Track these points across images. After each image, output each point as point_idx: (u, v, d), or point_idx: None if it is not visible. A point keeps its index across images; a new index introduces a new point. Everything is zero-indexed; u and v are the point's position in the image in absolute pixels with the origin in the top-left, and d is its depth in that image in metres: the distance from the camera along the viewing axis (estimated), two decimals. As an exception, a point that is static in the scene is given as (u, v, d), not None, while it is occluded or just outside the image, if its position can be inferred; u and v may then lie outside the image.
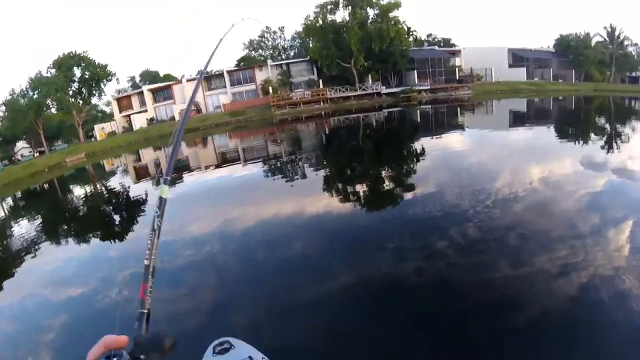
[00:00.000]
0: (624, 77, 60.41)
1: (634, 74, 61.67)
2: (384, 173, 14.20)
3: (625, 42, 57.36)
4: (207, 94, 40.34)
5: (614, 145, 18.07)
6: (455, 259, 7.18)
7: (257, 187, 12.75)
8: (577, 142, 19.80)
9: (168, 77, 55.13)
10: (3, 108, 34.24)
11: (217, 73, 40.65)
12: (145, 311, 1.05)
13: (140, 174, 18.78)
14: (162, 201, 1.39)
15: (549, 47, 55.43)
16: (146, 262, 1.21)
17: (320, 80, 36.37)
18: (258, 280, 6.72)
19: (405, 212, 9.85)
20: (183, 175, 14.59)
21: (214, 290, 6.53)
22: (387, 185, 12.69)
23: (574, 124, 26.37)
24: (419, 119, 29.28)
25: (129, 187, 15.83)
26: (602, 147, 17.27)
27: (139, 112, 40.44)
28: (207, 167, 16.05)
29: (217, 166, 16.38)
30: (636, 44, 63.14)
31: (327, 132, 25.03)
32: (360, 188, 12.31)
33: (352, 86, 34.98)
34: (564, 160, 14.81)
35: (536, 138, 19.82)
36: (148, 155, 25.17)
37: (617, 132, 21.42)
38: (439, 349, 4.93)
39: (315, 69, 37.81)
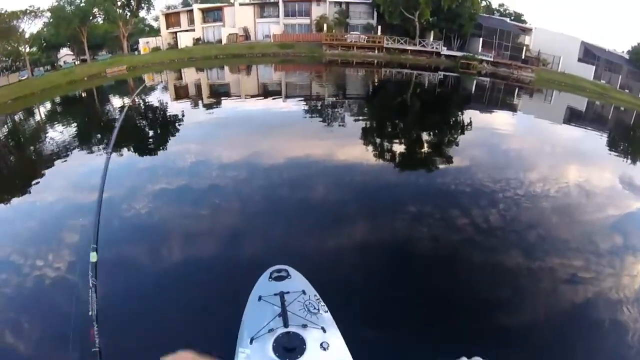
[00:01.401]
0: None
1: None
2: (424, 137, 14.14)
3: None
4: (258, 21, 39.28)
5: None
6: (470, 237, 7.55)
7: (295, 124, 12.86)
8: (624, 158, 19.00)
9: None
10: (49, 14, 34.13)
11: (272, 1, 39.54)
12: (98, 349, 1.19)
13: (180, 93, 19.00)
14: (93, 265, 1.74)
15: (623, 52, 51.18)
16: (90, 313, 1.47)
17: (379, 27, 34.59)
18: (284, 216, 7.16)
19: (435, 180, 10.02)
20: (222, 101, 14.72)
21: (250, 221, 6.92)
22: (424, 150, 12.70)
23: (627, 138, 25.26)
24: (473, 90, 28.44)
25: (166, 103, 16.12)
26: None
27: (187, 31, 39.85)
28: (247, 96, 16.11)
29: (257, 97, 16.40)
30: None
31: (375, 82, 24.45)
32: (397, 147, 12.37)
33: (412, 40, 33.14)
34: (606, 172, 14.44)
35: (585, 141, 19.20)
36: (190, 76, 25.34)
37: None
38: (429, 315, 5.35)
39: (376, 13, 35.76)
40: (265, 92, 17.33)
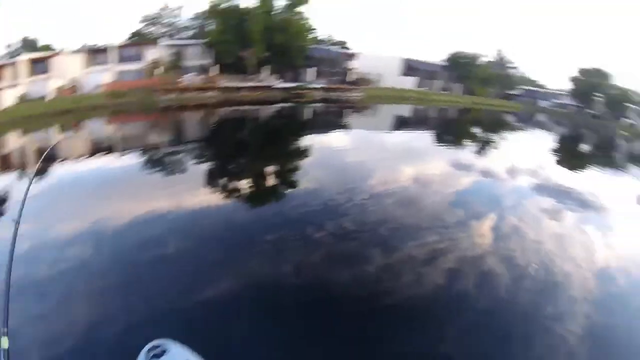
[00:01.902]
0: (502, 94, 70.84)
1: (509, 92, 73.27)
2: (267, 169, 14.47)
3: (508, 65, 66.79)
4: (88, 71, 36.63)
5: (482, 150, 21.58)
6: (331, 247, 8.06)
7: (134, 181, 12.16)
8: (448, 144, 22.93)
9: (47, 48, 48.93)
10: None
11: (103, 48, 37.32)
12: None
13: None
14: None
15: (438, 61, 61.82)
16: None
17: (215, 67, 35.43)
18: (151, 280, 6.65)
19: (287, 206, 10.35)
20: (51, 166, 13.22)
21: (118, 295, 6.28)
22: (270, 181, 13.08)
23: (449, 131, 30.17)
24: (308, 117, 30.58)
25: None
26: (473, 152, 20.38)
27: (10, 88, 35.22)
28: (78, 157, 14.86)
29: (90, 156, 15.38)
30: (516, 67, 74.42)
31: (214, 123, 24.85)
32: (242, 183, 12.44)
33: (248, 76, 34.90)
34: (436, 161, 17.03)
35: (414, 141, 22.49)
36: (12, 142, 21.87)
37: (488, 140, 25.30)
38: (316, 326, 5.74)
39: (211, 54, 36.55)
40: (98, 149, 16.40)
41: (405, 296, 6.70)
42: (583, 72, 67.85)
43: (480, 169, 16.18)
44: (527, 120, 50.45)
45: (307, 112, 32.23)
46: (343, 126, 26.47)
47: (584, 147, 32.48)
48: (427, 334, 5.75)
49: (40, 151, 16.79)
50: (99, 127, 23.00)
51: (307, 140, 19.75)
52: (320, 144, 19.23)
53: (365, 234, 8.98)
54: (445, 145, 22.79)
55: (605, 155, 28.28)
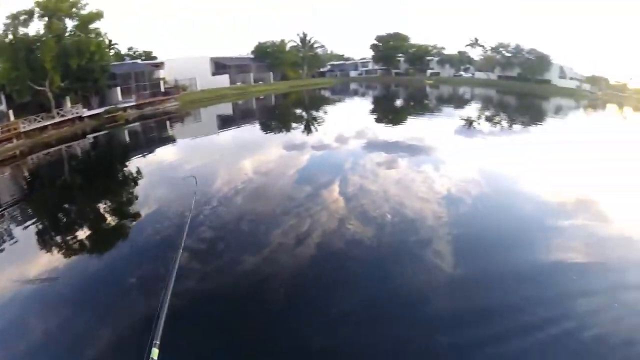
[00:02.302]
0: (314, 73, 78.37)
1: (321, 70, 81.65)
2: (103, 206, 14.41)
3: (315, 45, 74.13)
4: None
5: (311, 127, 23.60)
6: (199, 267, 8.36)
7: None
8: (279, 131, 24.62)
9: None
10: None
11: None
12: None
13: None
14: None
15: (247, 54, 64.30)
16: None
17: (11, 111, 31.44)
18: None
19: (136, 238, 10.50)
20: None
21: None
22: (111, 218, 12.92)
23: (275, 117, 32.24)
24: (128, 139, 30.22)
25: None
26: (302, 131, 21.81)
27: None
28: None
29: None
30: (323, 46, 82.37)
31: (27, 175, 23.02)
32: (83, 231, 11.96)
33: (49, 112, 32.02)
34: (271, 148, 18.47)
35: (243, 136, 23.83)
36: None
37: (312, 117, 27.64)
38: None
39: (3, 96, 32.01)
40: None
41: (285, 282, 7.43)
42: (380, 38, 78.50)
43: (313, 144, 17.86)
44: (343, 91, 55.37)
45: (126, 134, 31.56)
46: (168, 139, 26.77)
47: (398, 102, 36.94)
48: (307, 308, 6.58)
49: None
50: None
51: (135, 164, 19.66)
52: (150, 163, 19.50)
53: (227, 236, 9.56)
54: (275, 132, 24.07)
55: (418, 104, 32.68)
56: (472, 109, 29.64)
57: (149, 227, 10.94)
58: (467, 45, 75.11)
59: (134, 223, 11.66)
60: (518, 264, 7.79)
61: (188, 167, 17.26)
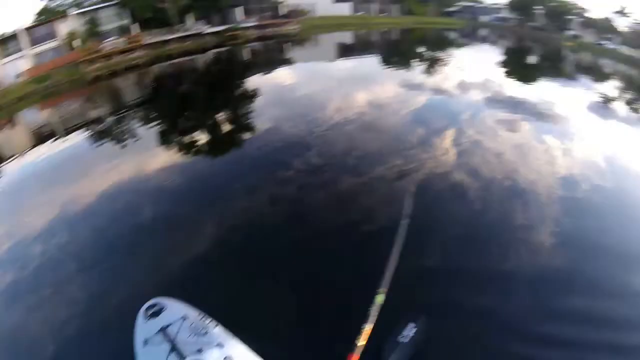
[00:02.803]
0: (441, 12, 70.64)
1: (449, 10, 73.31)
2: (221, 117, 14.62)
3: None
4: (3, 62, 33.81)
5: (433, 68, 21.84)
6: (304, 182, 8.47)
7: (84, 159, 12.06)
8: (398, 67, 23.03)
9: None
10: None
11: (11, 34, 34.10)
12: None
13: None
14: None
15: None
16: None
17: (136, 25, 32.82)
18: (136, 243, 7.04)
19: (249, 152, 10.60)
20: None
21: (109, 262, 6.64)
22: (226, 129, 13.26)
23: (396, 53, 30.03)
24: (247, 57, 29.88)
25: None
26: (423, 71, 20.58)
27: None
28: (20, 153, 14.25)
29: (31, 148, 14.74)
30: None
31: (150, 83, 24.01)
32: (200, 137, 12.51)
33: (172, 28, 32.80)
34: (387, 84, 17.11)
35: (361, 67, 22.33)
36: None
37: (436, 59, 25.44)
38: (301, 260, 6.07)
39: (126, 12, 33.60)
40: (38, 139, 15.89)
41: (382, 218, 7.01)
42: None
43: (432, 87, 16.17)
44: (471, 35, 50.23)
45: (246, 53, 31.29)
46: (286, 61, 25.92)
47: (531, 59, 32.52)
48: (405, 251, 5.77)
49: None
50: (35, 116, 21.91)
51: (254, 81, 19.42)
52: (268, 83, 18.98)
53: (333, 165, 9.25)
54: (394, 67, 22.70)
55: (553, 66, 28.40)
56: (612, 87, 23.57)
57: (260, 142, 10.91)
58: (615, 12, 61.11)
59: (247, 137, 11.71)
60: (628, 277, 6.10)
61: (304, 90, 16.66)
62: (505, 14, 74.63)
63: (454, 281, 5.72)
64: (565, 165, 9.49)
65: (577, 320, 5.13)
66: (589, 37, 64.37)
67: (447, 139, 10.46)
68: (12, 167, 12.98)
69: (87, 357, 4.80)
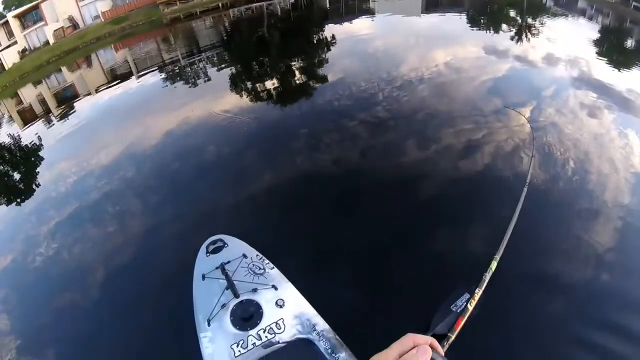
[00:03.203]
0: None
1: None
2: (293, 65, 14.18)
3: None
4: (82, 4, 34.60)
5: (522, 35, 19.61)
6: (369, 140, 8.00)
7: (158, 99, 12.24)
8: (485, 29, 21.02)
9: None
10: None
11: None
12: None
13: (26, 117, 16.09)
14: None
15: None
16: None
17: None
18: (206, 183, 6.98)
19: (318, 102, 10.29)
20: (74, 104, 13.37)
21: (182, 197, 6.76)
22: (298, 77, 12.85)
23: (484, 13, 27.66)
24: (327, 4, 28.50)
25: (18, 135, 13.60)
26: (510, 37, 18.70)
27: (8, 47, 34.36)
28: (97, 90, 14.74)
29: (108, 85, 15.10)
30: None
31: (227, 26, 23.73)
32: (270, 83, 12.34)
33: None
34: (470, 46, 15.70)
35: (446, 25, 20.65)
36: (29, 94, 21.76)
37: (526, 24, 22.93)
38: (358, 221, 5.72)
39: None
40: (115, 77, 15.99)
41: (446, 187, 6.70)
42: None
43: (517, 55, 14.84)
44: (568, 5, 45.05)
45: (327, 0, 29.55)
46: (366, 11, 24.48)
47: (630, 43, 29.11)
48: (470, 225, 5.77)
49: (57, 96, 16.62)
50: (112, 56, 22.33)
51: (331, 30, 18.68)
52: (346, 33, 18.22)
53: (400, 122, 8.90)
54: (481, 29, 21.00)
55: None
56: None
57: (329, 93, 10.59)
58: None
59: (317, 86, 11.38)
60: None
61: (381, 43, 15.67)
62: (608, -13, 66.19)
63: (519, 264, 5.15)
64: None
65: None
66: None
67: (523, 112, 9.56)
68: (86, 104, 13.42)
69: (146, 288, 4.90)
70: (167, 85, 13.28)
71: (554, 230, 5.85)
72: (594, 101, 11.24)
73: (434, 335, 3.59)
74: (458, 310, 3.97)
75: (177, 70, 14.98)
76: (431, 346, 0.77)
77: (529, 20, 25.57)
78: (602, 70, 15.22)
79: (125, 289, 5.03)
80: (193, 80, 13.35)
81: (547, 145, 8.37)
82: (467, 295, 4.08)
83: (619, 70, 16.00)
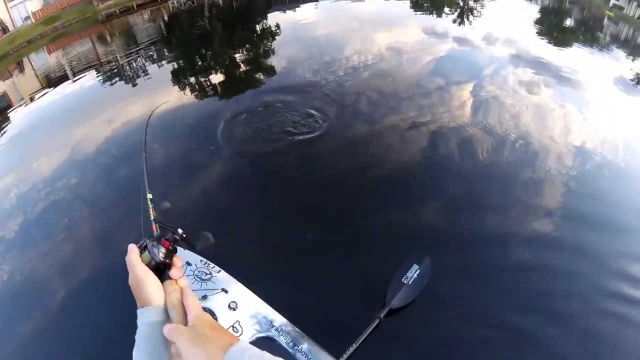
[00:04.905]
0: None
1: None
2: (238, 57, 14.30)
3: None
4: (10, 5, 32.76)
5: (464, 17, 20.27)
6: (311, 125, 8.22)
7: (97, 100, 11.99)
8: (427, 12, 21.50)
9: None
10: None
11: None
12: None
13: None
14: None
15: None
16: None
17: None
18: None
19: (263, 91, 10.41)
20: (8, 115, 12.97)
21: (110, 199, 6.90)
22: (244, 69, 13.02)
23: None
24: None
25: None
26: (449, 19, 19.28)
27: None
28: (31, 97, 14.28)
29: (41, 92, 14.63)
30: None
31: (166, 19, 23.40)
32: (215, 76, 12.46)
33: None
34: (411, 29, 16.28)
35: (388, 8, 20.95)
36: None
37: (467, 7, 23.58)
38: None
39: None
40: (49, 81, 15.50)
41: (391, 166, 7.11)
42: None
43: (457, 36, 15.53)
44: None
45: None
46: None
47: (566, 22, 30.64)
48: (412, 201, 6.26)
49: None
50: (45, 60, 21.62)
51: (274, 19, 18.76)
52: (289, 21, 18.54)
53: (347, 108, 9.13)
54: (422, 12, 21.50)
55: (589, 33, 26.85)
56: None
57: (276, 82, 10.95)
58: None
59: (262, 76, 11.70)
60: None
61: (323, 30, 16.10)
62: (549, -33, 68.30)
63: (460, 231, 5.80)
64: (580, 136, 9.32)
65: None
66: (633, 11, 58.51)
67: (464, 93, 10.33)
68: (22, 112, 13.11)
69: (91, 302, 4.97)
70: (105, 86, 13.11)
71: (498, 198, 6.47)
72: (532, 77, 11.87)
73: (390, 310, 4.12)
74: (409, 282, 4.34)
75: (115, 70, 14.75)
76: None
77: (471, 3, 26.36)
78: (542, 49, 16.18)
79: (66, 301, 5.11)
80: (132, 78, 13.32)
81: (487, 120, 8.95)
82: (416, 267, 4.46)
83: (558, 48, 17.03)
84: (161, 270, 1.04)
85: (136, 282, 0.99)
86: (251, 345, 0.85)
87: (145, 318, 0.95)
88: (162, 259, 1.03)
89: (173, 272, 1.03)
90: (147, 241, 1.06)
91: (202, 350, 0.84)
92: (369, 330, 3.86)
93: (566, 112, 10.21)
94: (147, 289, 0.97)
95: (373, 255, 5.04)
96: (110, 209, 6.64)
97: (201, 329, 0.90)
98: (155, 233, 1.17)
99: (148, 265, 1.02)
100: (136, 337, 0.95)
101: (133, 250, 1.02)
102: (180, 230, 1.15)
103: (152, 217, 1.24)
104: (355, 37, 14.61)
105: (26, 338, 4.91)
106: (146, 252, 1.04)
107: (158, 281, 1.00)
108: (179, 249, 3.35)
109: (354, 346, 3.68)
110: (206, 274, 3.65)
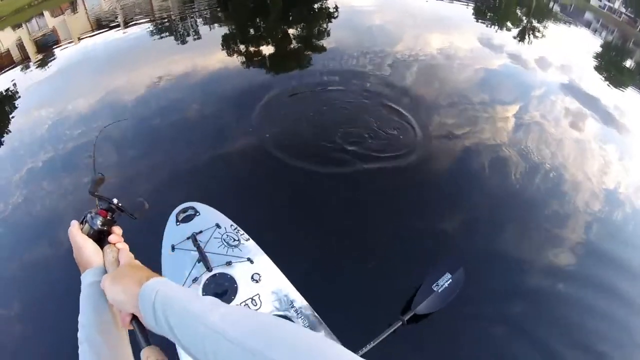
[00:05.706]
0: None
1: None
2: (291, 32, 14.17)
3: None
4: None
5: (520, 33, 19.62)
6: (362, 111, 8.22)
7: (145, 50, 12.13)
8: (487, 22, 20.86)
9: None
10: None
11: None
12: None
13: (3, 63, 15.96)
14: None
15: None
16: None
17: None
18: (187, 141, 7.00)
19: (311, 71, 10.34)
20: (54, 51, 13.02)
21: (155, 158, 6.68)
22: (294, 45, 12.90)
23: (492, 5, 27.50)
24: None
25: None
26: (514, 36, 18.71)
27: None
28: (80, 37, 14.30)
29: (92, 32, 14.75)
30: None
31: None
32: (265, 48, 12.33)
33: None
34: (468, 35, 15.83)
35: (449, 10, 20.62)
36: (6, 38, 21.12)
37: (531, 27, 22.79)
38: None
39: None
40: (100, 25, 15.55)
41: (425, 174, 6.99)
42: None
43: (512, 52, 15.05)
44: (575, 15, 45.06)
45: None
46: None
47: (626, 62, 29.31)
48: (433, 211, 6.07)
49: (37, 42, 16.28)
50: (98, 2, 21.55)
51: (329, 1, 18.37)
52: (348, 4, 18.13)
53: (386, 101, 8.93)
54: (482, 20, 20.81)
55: None
56: None
57: (321, 63, 10.79)
58: None
59: (311, 54, 11.59)
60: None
61: (379, 19, 15.77)
62: (618, 4, 65.63)
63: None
64: (614, 180, 8.87)
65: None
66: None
67: (508, 111, 10.11)
68: (68, 52, 13.09)
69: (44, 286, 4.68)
70: (154, 39, 13.08)
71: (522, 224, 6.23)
72: (579, 110, 11.45)
73: (415, 315, 3.96)
74: (439, 290, 4.15)
75: (166, 24, 14.75)
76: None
77: (533, 21, 25.57)
78: (595, 84, 15.47)
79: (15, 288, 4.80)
80: (183, 35, 13.37)
81: (527, 144, 8.69)
82: (448, 275, 4.28)
83: (611, 87, 16.26)
84: (102, 239, 1.15)
85: (77, 250, 1.09)
86: (169, 281, 0.84)
87: (86, 280, 1.01)
88: (99, 227, 1.14)
89: (111, 237, 1.13)
90: (87, 213, 1.17)
91: (121, 288, 0.86)
92: (390, 332, 3.74)
93: (606, 154, 9.79)
94: (86, 253, 1.06)
95: (406, 257, 4.96)
96: (133, 167, 6.54)
97: (123, 269, 0.94)
98: (97, 207, 1.22)
99: (89, 235, 1.13)
100: (80, 301, 0.97)
101: (74, 224, 1.12)
102: (115, 200, 1.22)
103: (93, 192, 1.26)
104: (409, 34, 14.44)
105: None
106: (87, 224, 1.15)
107: (97, 246, 1.10)
108: (217, 214, 4.09)
109: (372, 344, 3.58)
110: (234, 239, 3.60)
